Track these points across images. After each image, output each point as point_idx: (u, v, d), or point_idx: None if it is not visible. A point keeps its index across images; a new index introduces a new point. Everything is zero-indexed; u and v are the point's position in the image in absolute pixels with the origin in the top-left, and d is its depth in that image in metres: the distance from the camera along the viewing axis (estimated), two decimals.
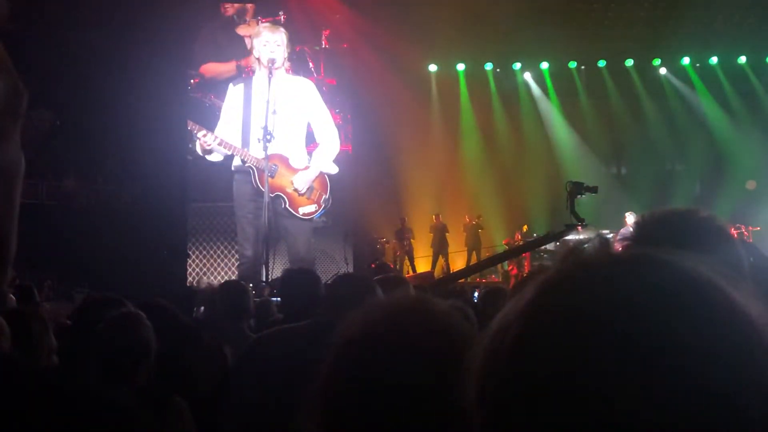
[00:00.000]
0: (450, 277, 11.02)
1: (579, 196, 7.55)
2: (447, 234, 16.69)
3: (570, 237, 15.34)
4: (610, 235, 14.82)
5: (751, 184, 16.01)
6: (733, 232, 13.97)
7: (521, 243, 16.15)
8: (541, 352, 0.59)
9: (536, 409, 0.58)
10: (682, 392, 0.54)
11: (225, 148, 9.14)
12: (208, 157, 9.50)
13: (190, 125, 9.21)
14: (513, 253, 13.34)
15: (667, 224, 1.39)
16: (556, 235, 8.52)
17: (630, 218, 14.24)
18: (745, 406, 0.54)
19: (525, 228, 16.92)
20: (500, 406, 0.61)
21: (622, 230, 14.29)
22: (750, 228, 14.87)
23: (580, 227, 13.58)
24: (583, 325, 0.58)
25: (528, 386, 0.59)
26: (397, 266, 15.53)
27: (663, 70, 18.32)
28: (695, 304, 0.58)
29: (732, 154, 17.61)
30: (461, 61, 17.50)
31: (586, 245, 0.70)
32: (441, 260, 16.66)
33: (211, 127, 9.35)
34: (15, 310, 3.01)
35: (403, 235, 16.32)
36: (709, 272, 0.61)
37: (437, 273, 15.54)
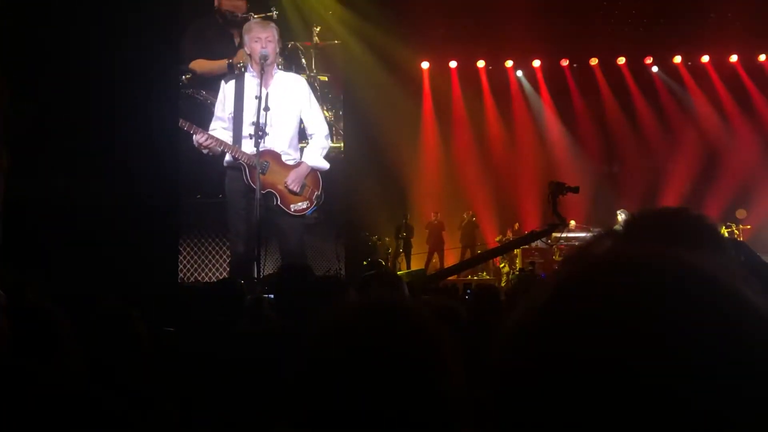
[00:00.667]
0: (439, 275, 11.04)
1: (561, 196, 7.64)
2: (444, 232, 16.74)
3: (577, 234, 15.45)
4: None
5: (741, 213, 16.07)
6: (725, 230, 14.07)
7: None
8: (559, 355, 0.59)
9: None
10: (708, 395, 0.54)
11: (217, 145, 9.13)
12: (205, 152, 9.51)
13: (184, 124, 9.20)
14: (497, 252, 13.34)
15: (657, 223, 1.39)
16: (539, 234, 8.59)
17: (622, 216, 14.30)
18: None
19: (516, 226, 16.96)
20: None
21: (614, 228, 14.34)
22: (741, 226, 14.94)
23: (571, 223, 13.64)
24: (608, 328, 0.57)
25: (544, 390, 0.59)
26: (390, 264, 15.53)
27: (655, 68, 18.36)
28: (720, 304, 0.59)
29: (723, 152, 17.67)
30: (454, 59, 17.50)
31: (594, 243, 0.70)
32: (435, 257, 16.69)
33: (203, 124, 9.34)
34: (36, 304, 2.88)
35: (405, 232, 16.28)
36: (724, 271, 0.63)
37: (430, 271, 15.56)
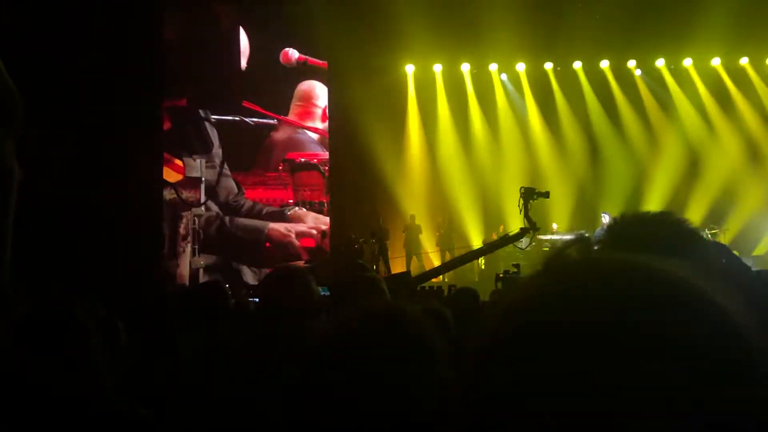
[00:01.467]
0: (422, 277, 11.05)
1: (532, 201, 7.82)
2: (420, 235, 16.74)
3: (553, 237, 15.53)
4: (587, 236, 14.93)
5: None
6: (708, 233, 14.18)
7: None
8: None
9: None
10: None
11: None
12: None
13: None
14: (473, 256, 13.35)
15: (639, 228, 1.41)
16: (511, 238, 8.70)
17: (606, 218, 14.38)
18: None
19: (501, 228, 16.97)
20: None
21: (597, 230, 14.45)
22: (722, 228, 15.06)
23: (553, 226, 13.76)
24: (582, 334, 0.59)
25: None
26: (374, 267, 15.51)
27: (638, 72, 18.49)
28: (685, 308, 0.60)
29: (706, 155, 17.81)
30: (438, 62, 17.54)
31: (568, 248, 0.71)
32: (415, 260, 16.69)
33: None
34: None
35: (380, 235, 16.30)
36: (696, 276, 0.63)
37: (413, 273, 15.56)
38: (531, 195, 7.67)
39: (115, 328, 2.86)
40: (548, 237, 15.88)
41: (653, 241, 1.35)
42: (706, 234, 14.15)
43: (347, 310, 1.16)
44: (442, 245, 16.80)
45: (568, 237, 15.54)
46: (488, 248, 12.26)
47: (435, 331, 1.08)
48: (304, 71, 14.73)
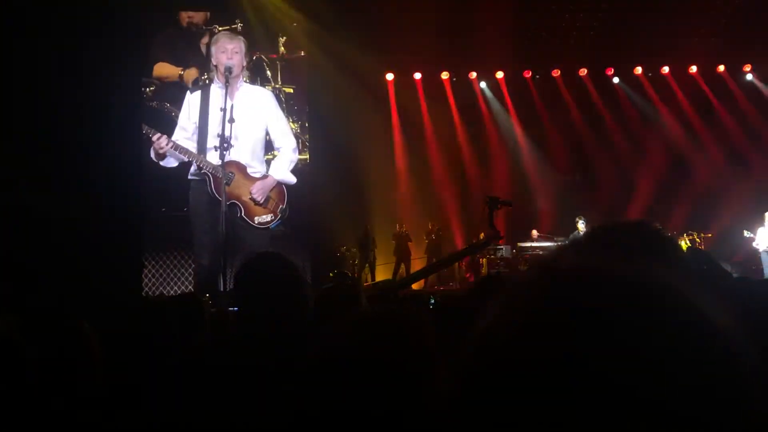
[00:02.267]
0: (402, 283, 11.08)
1: (496, 210, 7.97)
2: (409, 243, 16.78)
3: (533, 244, 15.60)
4: (562, 241, 15.06)
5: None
6: (687, 239, 14.28)
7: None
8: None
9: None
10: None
11: (180, 153, 9.04)
12: (162, 163, 9.38)
13: (145, 129, 9.10)
14: (441, 265, 13.40)
15: (617, 236, 1.41)
16: (477, 247, 8.81)
17: (581, 224, 14.46)
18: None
19: (482, 235, 17.00)
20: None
21: (573, 234, 14.54)
22: (702, 235, 15.16)
23: (533, 233, 13.86)
24: (575, 338, 0.60)
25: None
26: (357, 275, 15.52)
27: (616, 79, 18.65)
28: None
29: (686, 161, 17.97)
30: (418, 70, 17.58)
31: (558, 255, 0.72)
32: (402, 268, 16.71)
33: (166, 133, 9.25)
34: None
35: (367, 244, 16.33)
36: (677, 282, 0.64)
37: (398, 279, 15.58)
38: (495, 204, 7.84)
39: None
40: (528, 244, 15.95)
41: (630, 250, 1.34)
42: (686, 240, 14.28)
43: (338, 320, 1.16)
44: (431, 252, 16.85)
45: (547, 244, 15.65)
46: (456, 257, 12.38)
47: (427, 332, 1.10)
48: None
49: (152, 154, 9.23)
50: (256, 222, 9.27)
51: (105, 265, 8.50)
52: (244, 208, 9.20)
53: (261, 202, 9.30)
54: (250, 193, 9.25)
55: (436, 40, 15.99)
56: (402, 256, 16.71)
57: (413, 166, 17.34)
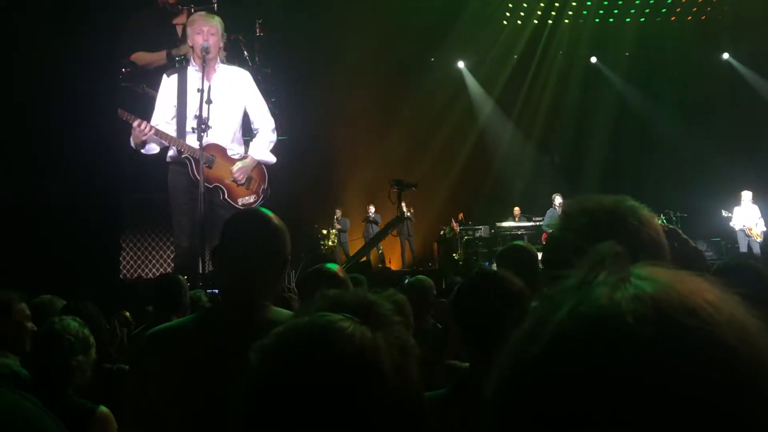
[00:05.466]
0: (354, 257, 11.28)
1: (402, 191, 8.15)
2: (379, 225, 16.83)
3: (511, 225, 15.67)
4: (541, 221, 15.19)
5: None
6: (662, 217, 14.41)
7: (457, 230, 16.39)
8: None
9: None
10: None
11: (160, 138, 8.97)
12: (143, 151, 9.29)
13: (124, 115, 9.02)
14: (373, 243, 13.49)
15: (593, 215, 1.43)
16: (390, 226, 8.93)
17: (558, 200, 14.57)
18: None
19: (461, 216, 17.13)
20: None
21: (549, 211, 14.66)
22: (678, 214, 15.31)
23: (515, 210, 13.90)
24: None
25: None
26: (333, 256, 15.58)
27: (593, 59, 18.75)
28: None
29: (660, 142, 18.12)
30: (398, 51, 17.51)
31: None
32: (375, 250, 16.77)
33: (144, 117, 9.16)
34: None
35: (340, 225, 16.41)
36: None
37: (373, 262, 15.64)
38: (402, 186, 8.00)
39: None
40: (506, 224, 16.04)
41: (606, 228, 1.37)
42: (662, 219, 14.41)
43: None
44: (403, 234, 16.92)
45: (526, 224, 15.76)
46: (378, 238, 12.56)
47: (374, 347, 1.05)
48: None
49: (132, 143, 9.13)
50: (239, 203, 9.23)
51: (82, 247, 8.47)
52: (227, 190, 9.15)
53: (243, 183, 9.26)
54: (232, 175, 9.20)
55: (416, 21, 15.98)
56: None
57: (388, 147, 17.30)
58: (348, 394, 0.99)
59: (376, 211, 16.77)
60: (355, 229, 16.90)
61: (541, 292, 0.68)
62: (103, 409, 2.79)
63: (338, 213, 16.73)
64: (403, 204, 16.75)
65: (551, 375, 0.59)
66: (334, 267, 3.23)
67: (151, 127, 8.89)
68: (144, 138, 8.89)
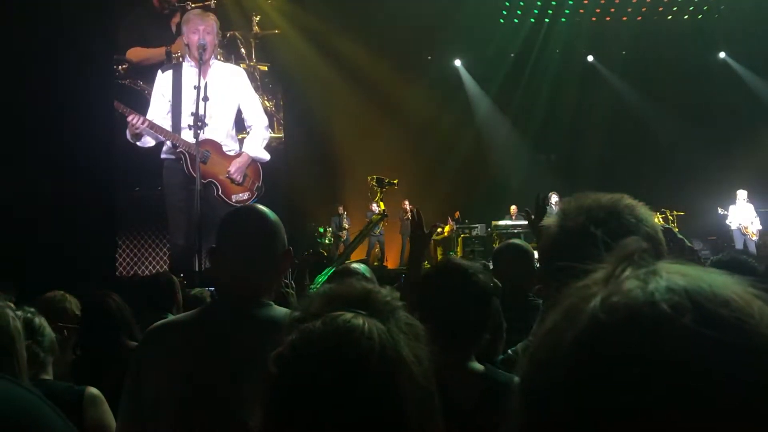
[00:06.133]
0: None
1: (382, 189, 8.19)
2: (384, 223, 16.81)
3: (508, 223, 15.67)
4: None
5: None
6: (659, 216, 14.42)
7: (454, 229, 16.40)
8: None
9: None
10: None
11: (156, 131, 8.97)
12: (139, 143, 9.30)
13: (120, 108, 9.01)
14: (357, 242, 13.51)
15: (590, 212, 1.43)
16: (373, 224, 8.98)
17: (554, 198, 14.58)
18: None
19: (457, 214, 17.15)
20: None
21: (546, 209, 14.64)
22: (675, 212, 15.34)
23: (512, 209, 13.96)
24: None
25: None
26: (331, 254, 15.56)
27: (590, 58, 18.77)
28: None
29: (656, 140, 18.15)
30: (395, 49, 17.49)
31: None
32: (376, 246, 16.78)
33: (140, 113, 9.15)
34: None
35: (341, 224, 16.40)
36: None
37: (372, 260, 15.65)
38: (383, 184, 8.05)
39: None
40: (503, 222, 16.04)
41: (603, 226, 1.36)
42: (659, 218, 14.42)
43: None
44: (404, 232, 16.92)
45: (522, 223, 15.75)
46: (362, 236, 12.64)
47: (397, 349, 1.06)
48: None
49: (128, 135, 9.13)
50: (233, 200, 9.23)
51: (78, 245, 8.44)
52: (221, 187, 9.15)
53: (238, 180, 9.25)
54: (227, 172, 9.20)
55: (412, 20, 15.96)
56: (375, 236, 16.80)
57: (386, 145, 17.28)
58: (381, 392, 1.00)
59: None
60: (356, 228, 16.88)
61: (568, 286, 0.67)
62: (92, 390, 2.79)
63: (341, 210, 16.70)
64: (406, 202, 16.91)
65: (588, 363, 0.59)
66: (361, 267, 3.23)
67: (146, 120, 8.89)
68: (138, 131, 8.89)
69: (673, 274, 0.63)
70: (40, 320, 2.92)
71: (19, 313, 2.85)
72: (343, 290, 1.14)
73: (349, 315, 1.06)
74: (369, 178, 8.64)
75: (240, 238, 2.24)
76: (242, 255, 2.21)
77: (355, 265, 3.25)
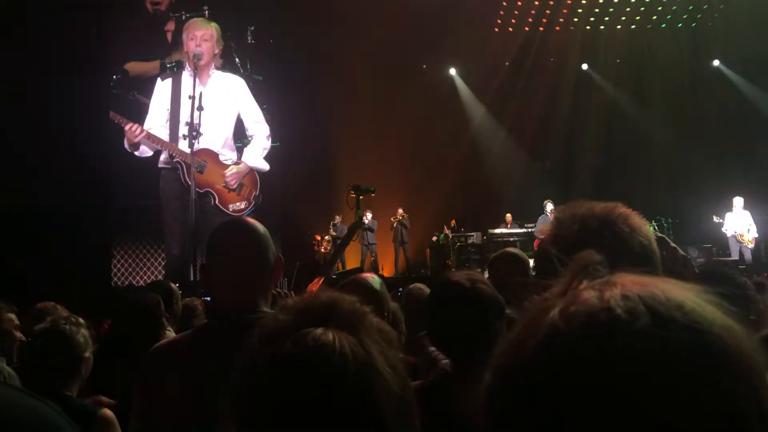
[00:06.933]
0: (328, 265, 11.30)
1: (360, 197, 8.26)
2: (374, 231, 16.83)
3: (503, 231, 15.67)
4: (533, 228, 15.21)
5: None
6: (653, 224, 14.45)
7: (450, 236, 16.41)
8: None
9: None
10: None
11: (153, 141, 8.96)
12: (137, 153, 9.29)
13: (116, 118, 9.00)
14: (339, 252, 13.55)
15: (584, 221, 1.42)
16: (351, 232, 9.06)
17: (549, 206, 14.60)
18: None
19: (453, 222, 17.15)
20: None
21: (541, 218, 14.70)
22: (670, 220, 15.36)
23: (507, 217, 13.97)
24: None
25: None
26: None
27: (584, 66, 18.82)
28: None
29: (651, 148, 18.18)
30: (390, 58, 17.51)
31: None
32: (369, 256, 16.78)
33: (136, 123, 9.15)
34: None
35: (334, 232, 16.40)
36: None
37: (366, 268, 15.63)
38: (359, 191, 8.12)
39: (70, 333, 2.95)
40: (498, 231, 16.06)
41: (598, 236, 1.36)
42: (653, 226, 14.44)
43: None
44: (395, 241, 16.96)
45: (518, 231, 15.78)
46: (342, 246, 12.68)
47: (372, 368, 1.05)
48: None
49: (126, 145, 9.12)
50: (230, 209, 9.21)
51: (74, 255, 8.43)
52: (218, 196, 9.14)
53: (233, 186, 9.24)
54: (224, 181, 9.18)
55: (407, 27, 15.99)
56: (369, 244, 16.82)
57: (382, 153, 17.27)
58: (359, 407, 0.99)
59: (373, 218, 16.75)
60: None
61: (528, 300, 0.70)
62: (107, 411, 2.79)
63: (338, 219, 16.69)
64: (400, 210, 16.96)
65: (548, 368, 0.61)
66: (374, 278, 3.22)
67: (143, 130, 8.88)
68: (135, 140, 8.88)
69: (628, 283, 0.65)
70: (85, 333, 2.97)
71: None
72: (309, 302, 1.11)
73: (318, 331, 1.03)
74: (347, 187, 8.68)
75: (231, 252, 2.24)
76: (234, 269, 2.21)
77: (366, 277, 3.23)
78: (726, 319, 0.63)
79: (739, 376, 0.60)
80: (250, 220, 2.36)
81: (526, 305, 0.70)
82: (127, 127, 8.73)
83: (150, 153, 9.30)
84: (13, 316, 3.50)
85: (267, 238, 2.29)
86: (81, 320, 3.03)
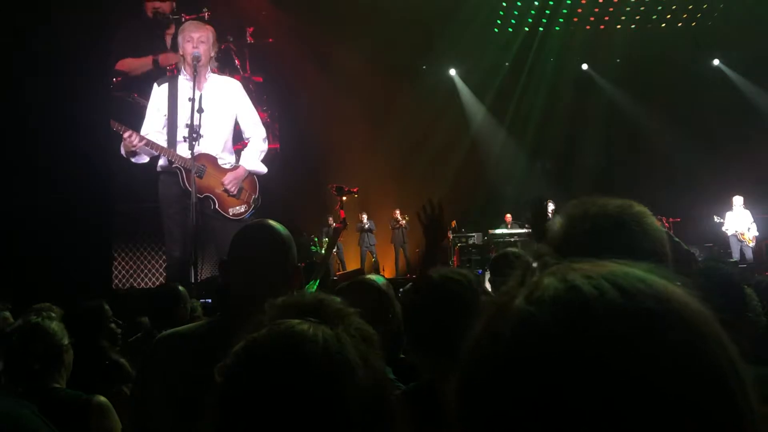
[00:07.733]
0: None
1: (343, 197, 8.28)
2: (374, 232, 16.83)
3: (504, 231, 15.64)
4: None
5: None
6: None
7: (449, 238, 16.38)
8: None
9: None
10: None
11: (151, 148, 8.93)
12: (134, 159, 9.24)
13: (115, 126, 8.97)
14: (328, 254, 13.56)
15: (596, 220, 1.40)
16: (336, 234, 9.11)
17: (550, 206, 14.54)
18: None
19: (453, 224, 17.12)
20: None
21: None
22: (671, 219, 15.34)
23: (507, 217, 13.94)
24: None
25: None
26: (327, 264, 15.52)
27: (584, 66, 18.80)
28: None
29: (651, 147, 18.16)
30: (390, 59, 17.49)
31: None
32: (370, 257, 16.77)
33: (135, 127, 9.11)
34: None
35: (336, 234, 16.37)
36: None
37: (366, 269, 15.62)
38: (341, 192, 8.13)
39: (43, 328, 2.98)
40: (499, 231, 16.04)
41: (608, 238, 1.34)
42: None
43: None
44: (395, 241, 16.94)
45: (518, 231, 15.74)
46: (330, 248, 12.75)
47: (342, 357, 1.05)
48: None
49: (122, 151, 9.08)
50: (230, 213, 9.18)
51: (74, 258, 8.42)
52: (218, 200, 9.10)
53: (234, 193, 9.21)
54: (223, 185, 9.15)
55: (407, 29, 15.99)
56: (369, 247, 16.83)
57: (382, 155, 17.27)
58: (323, 393, 0.99)
59: (368, 218, 16.74)
60: (349, 237, 16.85)
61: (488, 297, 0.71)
62: (100, 398, 2.79)
63: (331, 221, 16.68)
64: (397, 211, 16.95)
65: (530, 354, 0.62)
66: (379, 279, 3.21)
67: (142, 138, 8.84)
68: (134, 148, 8.85)
69: (584, 267, 0.67)
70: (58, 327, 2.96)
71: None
72: (295, 300, 1.13)
73: (294, 321, 1.05)
74: (329, 186, 8.70)
75: (252, 251, 2.28)
76: (253, 268, 2.24)
77: (371, 278, 3.22)
78: (683, 290, 0.65)
79: (710, 337, 0.62)
80: (274, 223, 2.39)
81: (483, 302, 0.72)
82: (125, 135, 8.70)
83: (147, 159, 9.27)
84: (7, 314, 3.49)
85: (289, 244, 2.33)
86: (54, 311, 3.03)
